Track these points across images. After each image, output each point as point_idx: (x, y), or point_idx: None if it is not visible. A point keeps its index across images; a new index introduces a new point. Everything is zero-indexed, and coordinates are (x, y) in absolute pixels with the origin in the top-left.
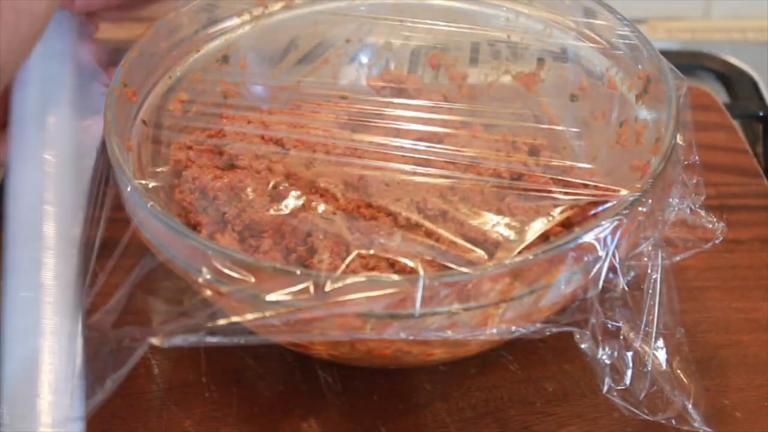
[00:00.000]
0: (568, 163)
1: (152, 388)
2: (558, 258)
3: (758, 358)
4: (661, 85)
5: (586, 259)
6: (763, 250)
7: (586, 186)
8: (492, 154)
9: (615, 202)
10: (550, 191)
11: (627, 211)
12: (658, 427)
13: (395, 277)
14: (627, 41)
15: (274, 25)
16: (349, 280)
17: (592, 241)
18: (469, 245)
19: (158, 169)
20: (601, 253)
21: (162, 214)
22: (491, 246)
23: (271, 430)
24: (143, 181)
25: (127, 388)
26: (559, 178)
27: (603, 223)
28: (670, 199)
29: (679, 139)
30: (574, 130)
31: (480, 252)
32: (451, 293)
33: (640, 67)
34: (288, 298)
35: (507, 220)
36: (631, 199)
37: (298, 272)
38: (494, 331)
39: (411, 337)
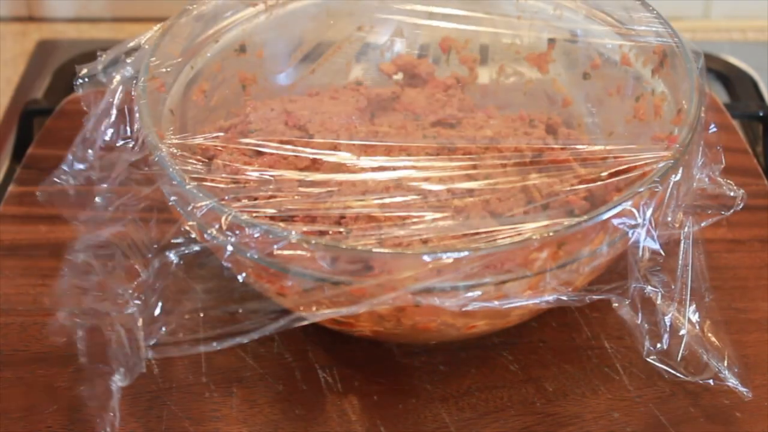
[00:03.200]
0: (585, 138)
1: (152, 388)
2: (599, 226)
3: (758, 358)
4: (677, 58)
5: (625, 226)
6: (763, 250)
7: (605, 159)
8: (511, 132)
9: (642, 173)
10: (571, 166)
11: (660, 179)
12: (659, 427)
13: (449, 247)
14: (639, 17)
15: (288, 15)
16: (402, 255)
17: (631, 208)
18: (495, 222)
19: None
20: (639, 220)
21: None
22: (518, 222)
23: (271, 430)
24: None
25: (127, 388)
26: (579, 152)
27: (640, 189)
28: (693, 170)
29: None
30: (589, 106)
31: (507, 228)
32: (497, 265)
33: (655, 41)
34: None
35: (532, 195)
36: (664, 166)
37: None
38: (537, 300)
39: (459, 309)
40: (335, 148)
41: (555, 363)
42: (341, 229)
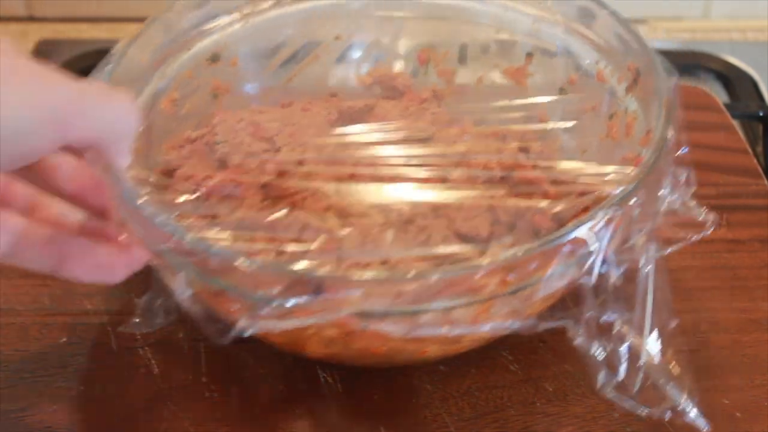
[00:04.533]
0: (558, 156)
1: (152, 388)
2: (551, 252)
3: (758, 358)
4: (651, 77)
5: (579, 252)
6: (763, 250)
7: (576, 178)
8: (483, 148)
9: (607, 195)
10: (541, 185)
11: (619, 204)
12: (660, 427)
13: (392, 274)
14: (616, 34)
15: (264, 23)
16: (346, 280)
17: (584, 235)
18: (460, 242)
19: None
20: (594, 247)
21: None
22: (483, 242)
23: (271, 430)
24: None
25: (127, 388)
26: (550, 171)
27: (596, 215)
28: (662, 191)
29: (670, 132)
30: (564, 123)
31: (470, 248)
32: (445, 289)
33: (629, 59)
34: (283, 299)
35: (498, 215)
36: (623, 191)
37: (293, 271)
38: (488, 327)
39: (406, 335)
40: (302, 161)
41: (555, 363)
42: (298, 249)
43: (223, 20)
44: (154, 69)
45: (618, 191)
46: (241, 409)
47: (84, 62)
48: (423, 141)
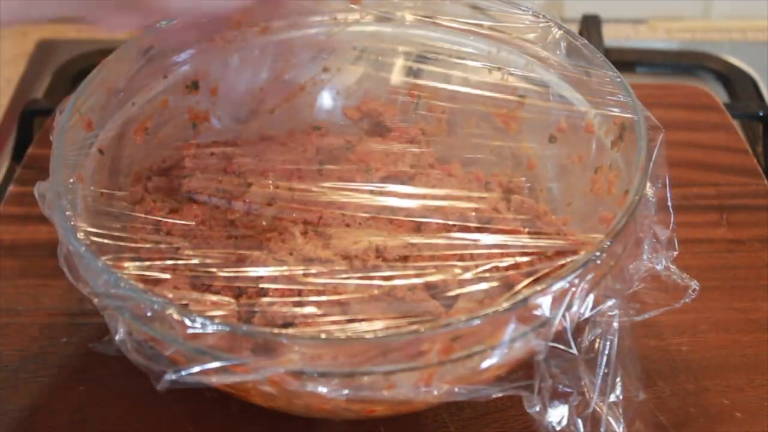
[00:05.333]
0: (541, 207)
1: (152, 388)
2: (501, 320)
3: (758, 358)
4: (635, 133)
5: (534, 321)
6: (763, 250)
7: (556, 234)
8: (464, 194)
9: (569, 261)
10: (518, 237)
11: (579, 272)
12: (659, 427)
13: (328, 336)
14: (608, 83)
15: (248, 51)
16: (278, 340)
17: (539, 303)
18: (425, 295)
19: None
20: (550, 315)
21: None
22: (450, 296)
23: (271, 430)
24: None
25: (127, 388)
26: (529, 223)
27: (553, 285)
28: (643, 256)
29: (650, 192)
30: (551, 172)
31: (436, 303)
32: (384, 353)
33: (618, 112)
34: (213, 355)
35: (469, 267)
36: (585, 259)
37: (225, 326)
38: (434, 392)
39: (345, 397)
40: (271, 201)
41: None
42: (250, 301)
43: (203, 47)
44: (126, 97)
45: (579, 257)
46: (242, 409)
47: (84, 62)
48: (402, 183)
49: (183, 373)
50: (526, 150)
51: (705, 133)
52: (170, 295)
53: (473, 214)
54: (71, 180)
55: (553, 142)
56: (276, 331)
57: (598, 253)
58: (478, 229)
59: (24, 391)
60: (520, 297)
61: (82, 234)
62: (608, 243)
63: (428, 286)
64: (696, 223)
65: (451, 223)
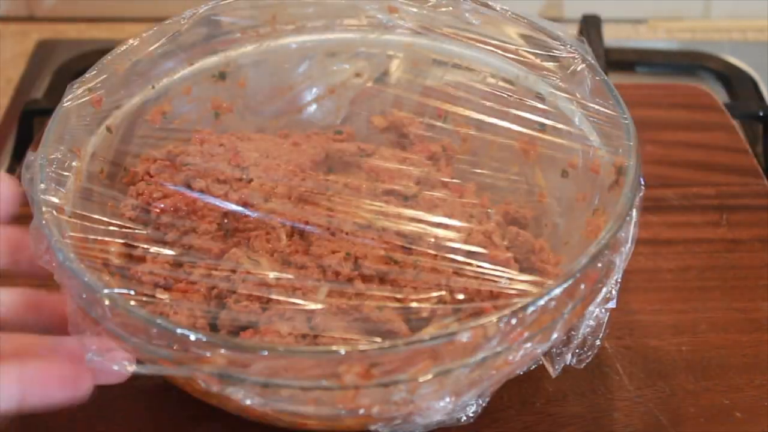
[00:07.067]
0: (538, 243)
1: (152, 388)
2: (418, 354)
3: (758, 358)
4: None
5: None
6: (763, 250)
7: (543, 271)
8: (464, 218)
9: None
10: (504, 270)
11: (515, 314)
12: (659, 427)
13: (252, 342)
14: (617, 124)
15: (281, 48)
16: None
17: (464, 340)
18: (393, 315)
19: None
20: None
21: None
22: (421, 319)
23: (270, 429)
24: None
25: (127, 388)
26: (522, 257)
27: (465, 329)
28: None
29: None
30: (560, 208)
31: (402, 324)
32: (302, 369)
33: (618, 154)
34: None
35: (445, 294)
36: (524, 303)
37: (152, 321)
38: (360, 412)
39: (261, 406)
40: (267, 198)
41: None
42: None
43: (234, 38)
44: (145, 79)
45: (518, 302)
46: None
47: (84, 62)
48: (403, 200)
49: (100, 358)
50: (540, 182)
51: (705, 133)
52: (141, 283)
53: (463, 240)
54: (58, 154)
55: (565, 177)
56: (186, 331)
57: (541, 300)
58: (466, 259)
59: None
60: (446, 332)
61: (47, 208)
62: (557, 291)
63: (403, 307)
64: (696, 223)
65: (438, 246)
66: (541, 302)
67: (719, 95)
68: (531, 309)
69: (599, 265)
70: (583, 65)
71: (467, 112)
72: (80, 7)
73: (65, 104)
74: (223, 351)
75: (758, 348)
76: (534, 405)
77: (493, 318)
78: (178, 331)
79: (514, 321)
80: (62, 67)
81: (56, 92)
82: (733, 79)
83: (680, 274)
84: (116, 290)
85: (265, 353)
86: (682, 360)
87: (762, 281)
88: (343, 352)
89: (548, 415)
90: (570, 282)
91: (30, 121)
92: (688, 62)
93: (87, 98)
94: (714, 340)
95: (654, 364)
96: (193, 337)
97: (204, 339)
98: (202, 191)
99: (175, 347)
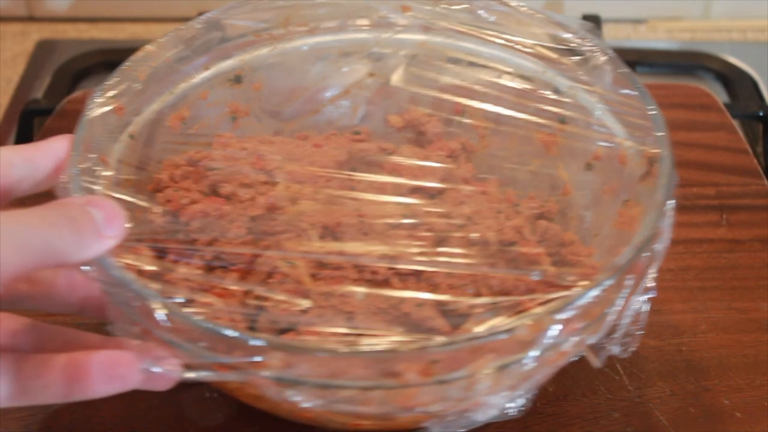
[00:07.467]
0: (567, 236)
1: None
2: (482, 348)
3: (758, 358)
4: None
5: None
6: (763, 250)
7: (577, 263)
8: (492, 213)
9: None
10: (538, 263)
11: (571, 307)
12: (659, 427)
13: (306, 344)
14: (644, 115)
15: (295, 50)
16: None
17: (522, 334)
18: (434, 312)
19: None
20: (536, 347)
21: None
22: (460, 316)
23: (271, 430)
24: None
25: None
26: (553, 251)
27: (520, 326)
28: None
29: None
30: (585, 200)
31: (443, 321)
32: (362, 368)
33: (648, 145)
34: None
35: (483, 290)
36: (577, 295)
37: (203, 326)
38: (420, 410)
39: (320, 408)
40: (294, 201)
41: None
42: (254, 302)
43: (248, 41)
44: (164, 85)
45: (571, 293)
46: (242, 409)
47: (84, 62)
48: (429, 197)
49: (157, 367)
50: (563, 175)
51: (705, 133)
52: (180, 288)
53: (495, 235)
54: (86, 164)
55: (590, 170)
56: (247, 334)
57: (593, 291)
58: (500, 251)
59: None
60: (505, 326)
61: None
62: (609, 282)
63: (439, 303)
64: (696, 223)
65: (472, 241)
66: (595, 293)
67: (719, 95)
68: (585, 300)
69: (646, 254)
70: (604, 58)
71: (485, 108)
72: (80, 7)
73: (89, 113)
74: (281, 354)
75: (758, 348)
76: (534, 405)
77: (549, 311)
78: (239, 336)
79: (570, 314)
80: (62, 67)
81: (56, 92)
82: (733, 79)
83: (680, 274)
84: (169, 298)
85: (326, 355)
86: (682, 360)
87: (762, 281)
88: (405, 350)
89: (548, 415)
90: (620, 273)
91: (30, 121)
92: (688, 62)
93: (110, 107)
94: (714, 340)
95: (654, 364)
96: (254, 342)
97: (265, 343)
98: (228, 196)
99: (234, 352)
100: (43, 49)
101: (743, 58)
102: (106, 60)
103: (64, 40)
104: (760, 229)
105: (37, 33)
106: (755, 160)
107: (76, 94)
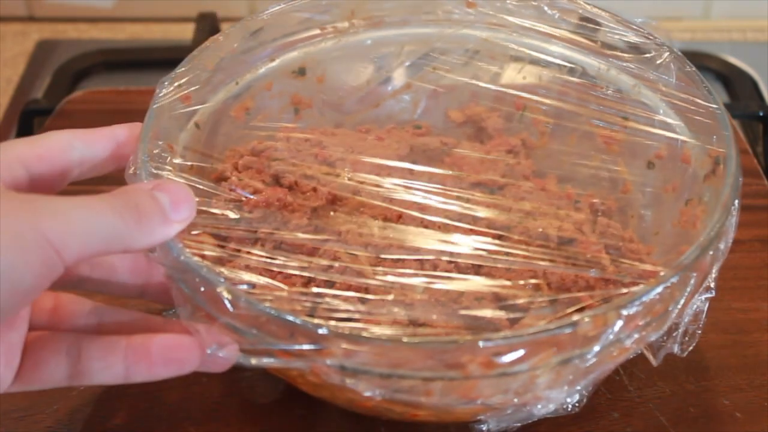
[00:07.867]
0: (627, 233)
1: (152, 388)
2: (547, 342)
3: (758, 358)
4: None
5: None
6: (763, 250)
7: (639, 261)
8: (551, 209)
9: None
10: (598, 262)
11: (635, 304)
12: (659, 427)
13: (370, 334)
14: (710, 115)
15: (359, 44)
16: (317, 333)
17: (586, 330)
18: (492, 306)
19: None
20: (598, 343)
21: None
22: (519, 309)
23: (271, 430)
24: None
25: (126, 388)
26: (613, 248)
27: (586, 319)
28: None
29: (724, 244)
30: (645, 199)
31: (502, 315)
32: (424, 359)
33: (713, 144)
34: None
35: (541, 283)
36: (643, 291)
37: (267, 312)
38: (478, 402)
39: (380, 396)
40: (356, 192)
41: None
42: (316, 290)
43: (313, 34)
44: (229, 76)
45: (637, 289)
46: (241, 409)
47: (84, 62)
48: (490, 192)
49: (220, 351)
50: (623, 173)
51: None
52: (243, 274)
53: (555, 231)
54: (157, 150)
55: (651, 169)
56: (315, 322)
57: (658, 288)
58: (559, 248)
59: (24, 392)
60: (568, 321)
61: None
62: (674, 279)
63: (498, 298)
64: None
65: (532, 236)
66: (660, 290)
67: (719, 95)
68: (650, 297)
69: (711, 253)
70: (669, 56)
71: (546, 104)
72: (80, 8)
73: (158, 100)
74: (345, 343)
75: (758, 348)
76: None
77: (614, 306)
78: (307, 323)
79: (634, 310)
80: (62, 67)
81: (56, 92)
82: (733, 79)
83: None
84: (235, 284)
85: (391, 344)
86: (682, 360)
87: (762, 281)
88: (468, 342)
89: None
90: (684, 271)
91: (30, 120)
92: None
93: (177, 95)
94: (714, 340)
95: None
96: (321, 331)
97: (330, 331)
98: (291, 186)
99: (298, 339)
100: (43, 49)
101: (743, 58)
102: (106, 60)
103: (64, 40)
104: (760, 229)
105: (37, 33)
106: (755, 160)
107: (76, 94)
